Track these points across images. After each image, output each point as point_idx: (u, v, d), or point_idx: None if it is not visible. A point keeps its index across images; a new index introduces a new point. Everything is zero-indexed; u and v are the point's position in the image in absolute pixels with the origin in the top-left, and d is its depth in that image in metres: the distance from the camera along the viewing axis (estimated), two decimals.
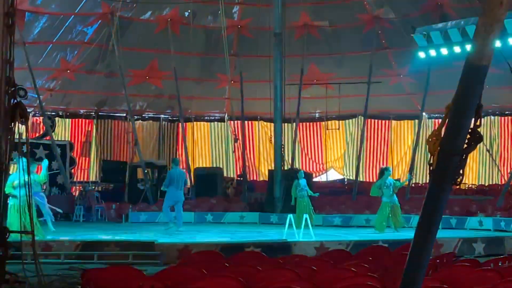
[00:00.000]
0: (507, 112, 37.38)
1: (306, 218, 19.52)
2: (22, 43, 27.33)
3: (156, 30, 34.25)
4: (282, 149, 30.48)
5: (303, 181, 24.94)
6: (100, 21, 33.23)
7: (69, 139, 36.46)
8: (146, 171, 33.02)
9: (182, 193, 22.74)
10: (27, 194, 9.21)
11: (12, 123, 8.17)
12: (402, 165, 39.72)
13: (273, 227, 24.90)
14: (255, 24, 34.92)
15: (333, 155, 41.42)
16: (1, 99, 7.83)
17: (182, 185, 22.66)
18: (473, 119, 5.03)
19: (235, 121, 38.48)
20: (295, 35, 34.90)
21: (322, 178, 41.22)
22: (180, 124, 36.99)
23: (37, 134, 33.22)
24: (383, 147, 40.37)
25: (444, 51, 28.09)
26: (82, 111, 39.05)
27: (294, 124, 36.28)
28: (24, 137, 8.41)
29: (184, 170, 26.68)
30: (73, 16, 32.88)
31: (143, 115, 40.51)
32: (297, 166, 37.28)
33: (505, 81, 28.92)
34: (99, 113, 39.26)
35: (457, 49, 27.29)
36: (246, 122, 37.54)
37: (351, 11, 34.52)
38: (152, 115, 40.93)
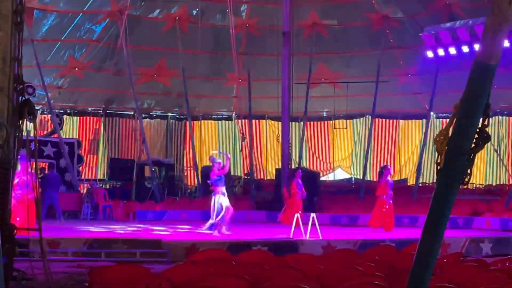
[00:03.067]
0: None
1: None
2: (30, 41, 27.38)
3: (164, 28, 34.32)
4: (290, 148, 30.45)
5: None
6: (108, 19, 33.34)
7: (77, 137, 36.56)
8: (153, 169, 33.04)
9: (57, 194, 25.11)
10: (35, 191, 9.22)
11: (20, 121, 8.19)
12: (410, 164, 39.69)
13: (280, 226, 24.85)
14: (264, 23, 34.94)
15: (340, 154, 41.40)
16: (10, 96, 7.84)
17: (58, 187, 25.50)
18: (481, 119, 5.02)
19: (243, 120, 38.52)
20: (303, 33, 34.91)
21: (329, 177, 41.20)
22: (187, 122, 37.02)
23: (45, 132, 33.29)
24: (391, 147, 40.33)
25: (452, 50, 28.06)
26: (90, 109, 39.15)
27: (302, 123, 36.29)
28: (32, 134, 8.42)
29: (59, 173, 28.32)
30: (81, 14, 32.99)
31: (151, 114, 40.59)
32: (304, 165, 37.29)
33: None
34: (107, 111, 39.35)
35: (465, 49, 27.25)
36: (253, 120, 37.60)
37: (359, 10, 34.50)
38: (159, 114, 41.00)
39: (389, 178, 22.33)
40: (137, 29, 34.37)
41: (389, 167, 23.96)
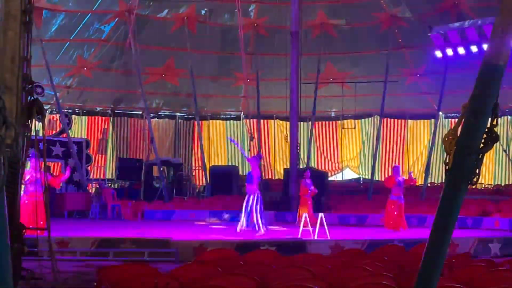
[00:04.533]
0: None
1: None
2: (39, 41, 27.45)
3: (173, 28, 34.33)
4: (298, 148, 30.43)
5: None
6: (117, 19, 33.39)
7: (86, 137, 36.61)
8: (162, 169, 33.08)
9: None
10: (43, 190, 9.24)
11: (29, 120, 8.21)
12: (418, 164, 39.64)
13: (288, 225, 24.86)
14: (272, 23, 34.94)
15: (348, 154, 41.38)
16: (18, 96, 7.86)
17: None
18: (489, 119, 5.01)
19: (251, 120, 38.53)
20: (311, 33, 34.86)
21: (337, 177, 41.17)
22: (196, 122, 37.04)
23: (54, 132, 33.36)
24: (399, 147, 40.30)
25: (461, 50, 27.99)
26: (98, 108, 39.22)
27: (310, 123, 36.26)
28: (40, 134, 8.43)
29: None
30: (90, 13, 33.06)
31: (159, 113, 40.65)
32: (312, 165, 37.26)
33: None
34: (116, 111, 39.42)
35: (474, 49, 27.18)
36: (262, 120, 37.62)
37: (368, 10, 34.42)
38: (168, 113, 41.06)
39: (399, 177, 22.25)
40: (145, 29, 34.43)
41: (397, 167, 23.78)
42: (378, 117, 35.79)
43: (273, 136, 41.06)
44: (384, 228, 21.95)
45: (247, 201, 20.76)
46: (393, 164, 33.05)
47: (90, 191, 32.24)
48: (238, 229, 20.57)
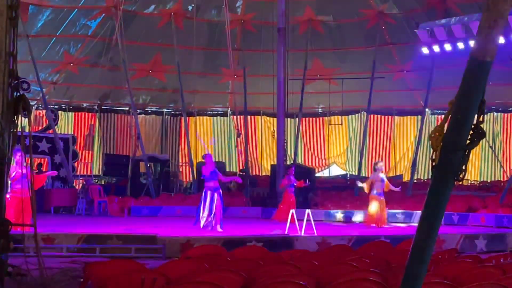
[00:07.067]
0: (510, 109, 37.44)
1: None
2: (25, 36, 27.32)
3: (160, 24, 34.30)
4: (285, 144, 30.45)
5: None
6: (103, 14, 33.31)
7: (72, 133, 36.52)
8: (148, 165, 33.03)
9: None
10: (29, 187, 9.21)
11: (15, 116, 8.17)
12: (405, 161, 39.74)
13: (275, 222, 24.86)
14: (259, 19, 34.96)
15: (335, 150, 41.44)
16: (4, 91, 7.82)
17: None
18: (476, 115, 5.01)
19: (238, 116, 38.52)
20: (299, 29, 34.92)
21: (324, 173, 41.22)
22: (183, 118, 37.00)
23: (40, 128, 33.24)
24: (386, 143, 40.39)
25: (447, 47, 28.08)
26: (85, 104, 39.15)
27: (297, 119, 36.29)
28: (27, 130, 8.39)
29: None
30: (76, 9, 32.94)
31: (146, 109, 40.58)
32: (299, 161, 37.31)
33: (508, 78, 28.98)
34: (102, 107, 39.36)
35: (460, 45, 27.28)
36: (249, 116, 37.61)
37: (355, 6, 34.51)
38: (155, 109, 41.01)
39: (380, 174, 22.31)
40: (132, 25, 34.34)
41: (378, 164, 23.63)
42: (365, 114, 35.90)
43: (260, 132, 41.08)
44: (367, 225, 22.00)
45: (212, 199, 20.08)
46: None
47: (76, 187, 32.15)
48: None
